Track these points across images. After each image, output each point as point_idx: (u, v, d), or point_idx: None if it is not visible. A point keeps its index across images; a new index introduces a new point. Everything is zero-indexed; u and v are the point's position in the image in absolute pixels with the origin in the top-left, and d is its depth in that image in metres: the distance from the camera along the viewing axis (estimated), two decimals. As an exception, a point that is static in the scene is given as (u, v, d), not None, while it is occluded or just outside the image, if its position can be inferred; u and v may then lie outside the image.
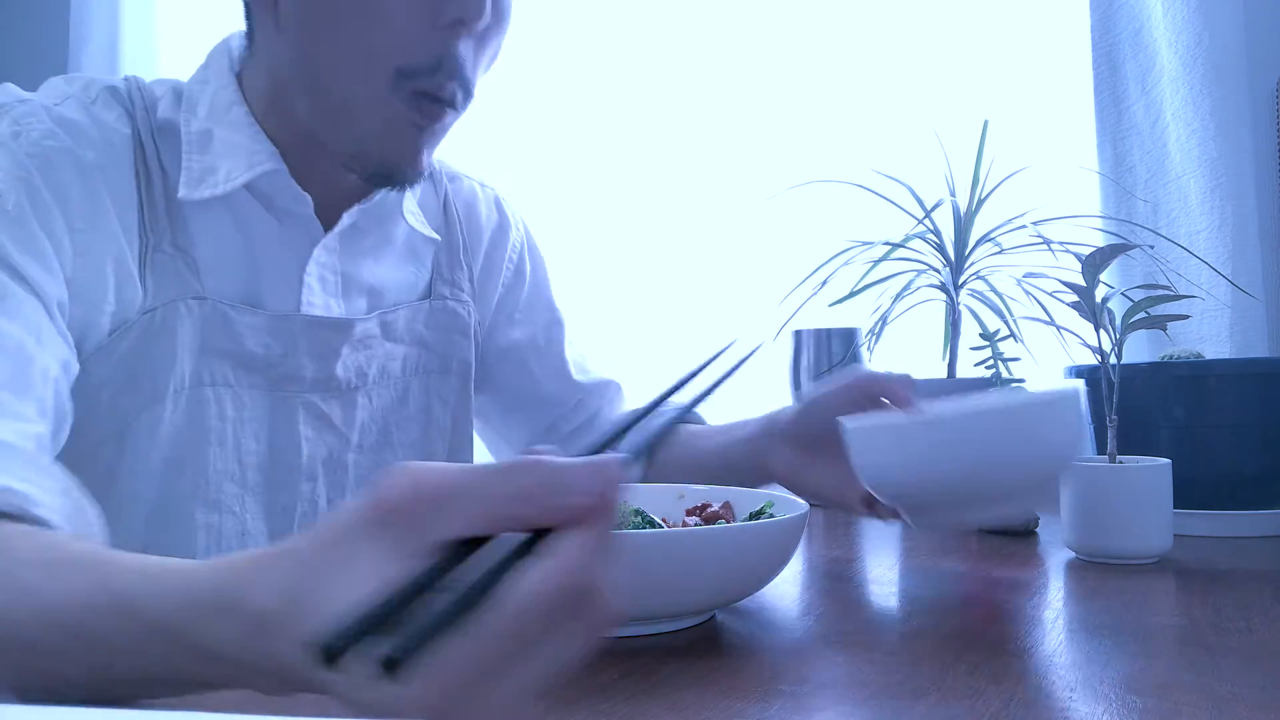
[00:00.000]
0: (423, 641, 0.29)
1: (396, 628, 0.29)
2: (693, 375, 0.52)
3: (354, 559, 0.32)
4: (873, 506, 0.71)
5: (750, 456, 0.82)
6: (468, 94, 0.70)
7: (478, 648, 0.30)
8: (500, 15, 0.70)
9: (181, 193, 0.70)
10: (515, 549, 0.32)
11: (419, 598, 0.31)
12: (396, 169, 0.69)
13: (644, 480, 0.72)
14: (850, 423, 0.64)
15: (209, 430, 0.70)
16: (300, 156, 0.73)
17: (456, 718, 0.31)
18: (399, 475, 0.33)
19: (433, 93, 0.67)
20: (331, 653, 0.29)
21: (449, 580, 0.31)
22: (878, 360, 1.13)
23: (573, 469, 0.33)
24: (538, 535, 0.32)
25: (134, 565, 0.39)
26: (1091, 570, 0.71)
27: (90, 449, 0.67)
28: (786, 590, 0.66)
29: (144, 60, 1.74)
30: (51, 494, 0.50)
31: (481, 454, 1.01)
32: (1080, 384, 0.62)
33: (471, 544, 0.32)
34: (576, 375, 0.97)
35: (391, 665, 0.29)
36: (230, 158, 0.71)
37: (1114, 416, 0.76)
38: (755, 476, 0.80)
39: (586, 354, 1.01)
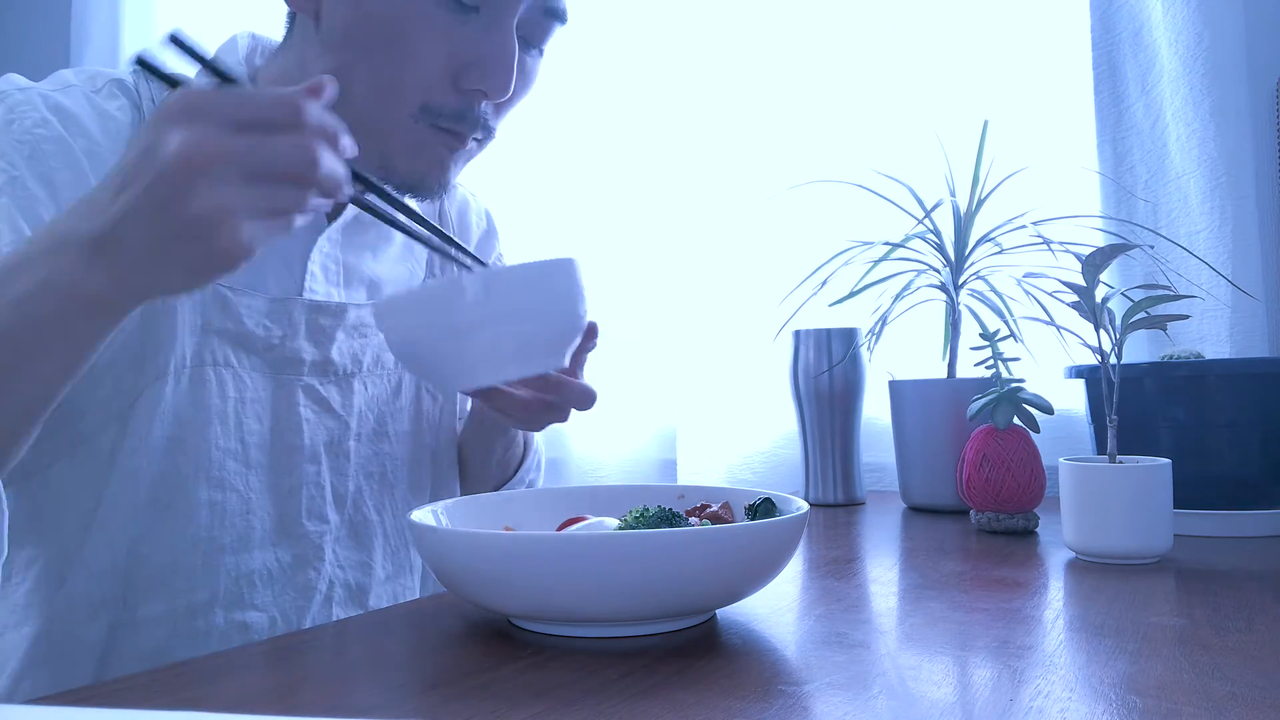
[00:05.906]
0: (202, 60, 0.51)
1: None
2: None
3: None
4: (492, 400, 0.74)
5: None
6: (488, 135, 0.75)
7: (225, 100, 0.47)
8: (525, 82, 0.76)
9: None
10: None
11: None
12: (422, 182, 0.74)
13: None
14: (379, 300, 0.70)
15: (211, 409, 0.72)
16: None
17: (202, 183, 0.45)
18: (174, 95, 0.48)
19: (453, 130, 0.72)
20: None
21: None
22: (878, 360, 1.13)
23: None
24: None
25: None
26: (1091, 570, 0.71)
27: (94, 430, 0.68)
28: (786, 590, 0.66)
29: (144, 60, 1.73)
30: None
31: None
32: (578, 259, 0.65)
33: None
34: None
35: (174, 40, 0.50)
36: None
37: (1114, 416, 0.76)
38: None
39: None
